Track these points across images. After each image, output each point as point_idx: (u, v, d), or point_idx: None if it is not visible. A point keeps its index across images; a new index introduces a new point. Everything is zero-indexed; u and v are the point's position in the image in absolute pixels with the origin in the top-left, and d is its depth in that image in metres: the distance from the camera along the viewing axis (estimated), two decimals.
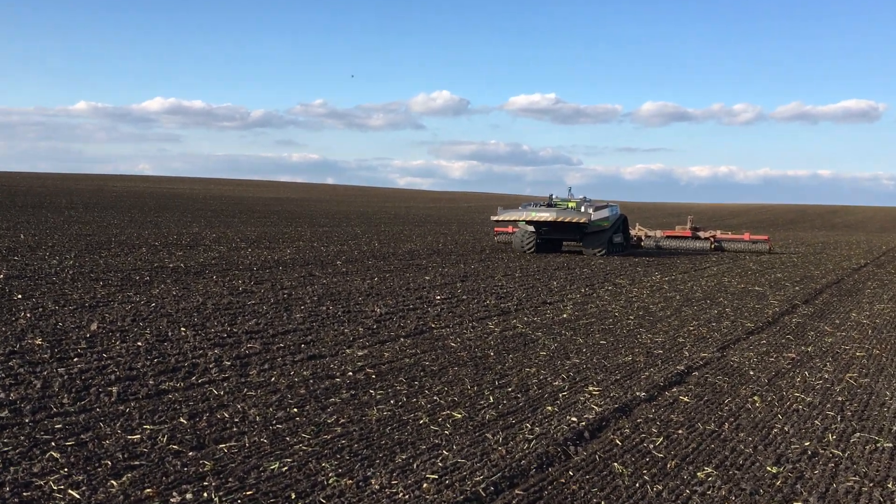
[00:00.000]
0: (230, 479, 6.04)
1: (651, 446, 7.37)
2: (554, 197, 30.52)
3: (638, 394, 9.16)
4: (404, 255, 26.72)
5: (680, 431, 7.86)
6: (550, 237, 30.02)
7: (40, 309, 12.46)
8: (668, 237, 35.52)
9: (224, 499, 5.68)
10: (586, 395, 9.04)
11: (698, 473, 6.73)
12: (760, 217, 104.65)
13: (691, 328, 13.97)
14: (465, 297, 16.46)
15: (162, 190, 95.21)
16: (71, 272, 17.18)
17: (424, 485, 6.12)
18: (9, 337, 10.29)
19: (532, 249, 29.38)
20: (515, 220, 29.26)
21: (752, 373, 10.65)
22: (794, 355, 11.94)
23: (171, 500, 5.63)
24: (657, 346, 12.14)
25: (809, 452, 7.41)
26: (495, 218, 29.17)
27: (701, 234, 35.41)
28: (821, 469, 7.00)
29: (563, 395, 8.95)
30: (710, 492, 6.36)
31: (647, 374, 10.24)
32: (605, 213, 29.16)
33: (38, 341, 10.10)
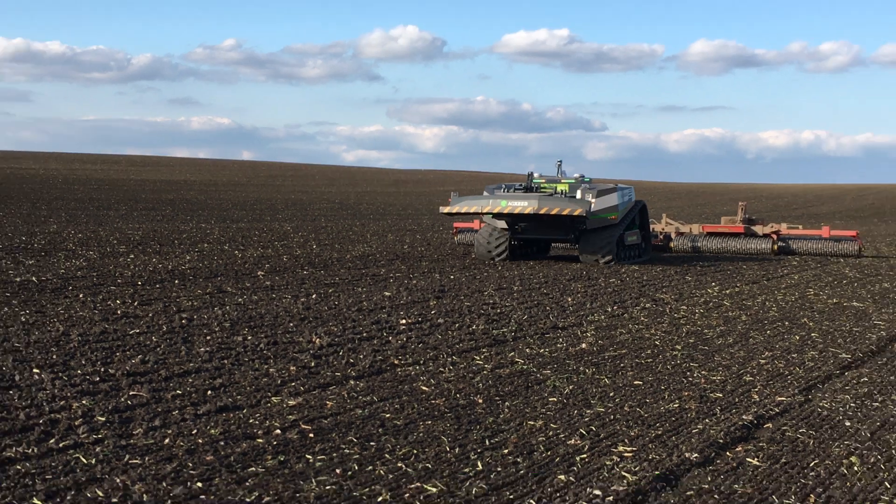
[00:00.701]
0: None
1: None
2: (536, 176, 28.63)
3: (688, 455, 9.23)
4: (355, 261, 26.76)
5: None
6: (531, 237, 28.51)
7: None
8: (709, 234, 34.30)
9: None
10: (615, 458, 9.10)
11: None
12: (860, 203, 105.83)
13: (763, 361, 14.11)
14: (441, 320, 16.54)
15: (4, 170, 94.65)
16: None
17: None
18: None
19: (503, 255, 27.67)
20: (477, 213, 27.53)
21: (848, 423, 10.75)
22: None
23: None
24: (715, 388, 12.25)
25: None
26: (446, 210, 27.24)
27: (759, 228, 34.11)
28: None
29: (581, 459, 9.00)
30: None
31: (700, 427, 10.32)
32: (612, 199, 27.26)
33: None
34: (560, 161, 29.55)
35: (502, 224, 27.80)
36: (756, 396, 11.88)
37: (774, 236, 33.68)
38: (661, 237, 34.31)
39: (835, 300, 21.52)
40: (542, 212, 25.41)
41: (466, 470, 8.55)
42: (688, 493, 8.26)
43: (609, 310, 18.78)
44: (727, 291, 22.55)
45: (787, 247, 33.76)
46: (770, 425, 10.54)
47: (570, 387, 11.98)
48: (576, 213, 25.31)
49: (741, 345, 15.48)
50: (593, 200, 26.28)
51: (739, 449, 9.61)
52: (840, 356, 14.75)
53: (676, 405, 11.28)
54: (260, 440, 9.15)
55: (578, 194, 26.64)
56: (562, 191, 27.54)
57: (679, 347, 15.00)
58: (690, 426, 10.36)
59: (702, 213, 68.57)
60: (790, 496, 8.26)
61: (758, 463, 9.17)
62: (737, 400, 11.66)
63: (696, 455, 9.27)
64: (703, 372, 13.20)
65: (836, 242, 33.72)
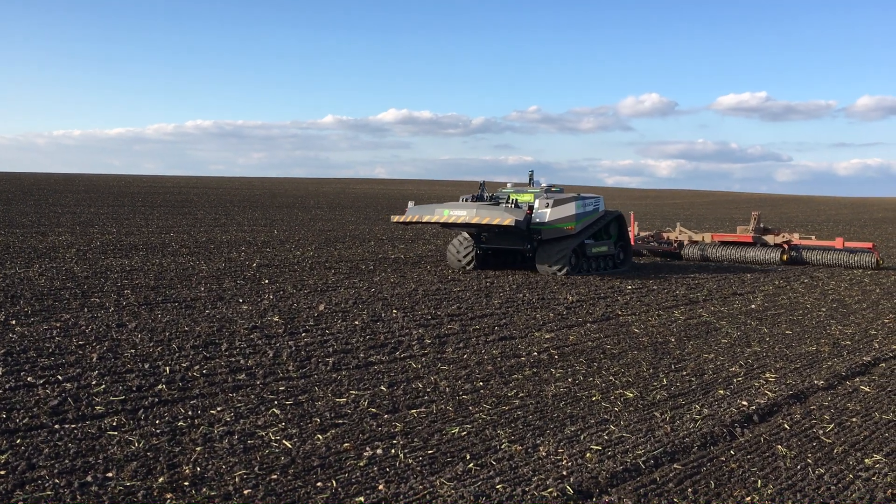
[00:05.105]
0: (415, 439, 6.38)
1: (820, 432, 6.92)
2: (508, 187, 19.33)
3: (816, 382, 8.60)
4: None
5: (854, 419, 7.31)
6: (491, 246, 18.62)
7: (281, 292, 13.60)
8: (720, 243, 23.09)
9: (408, 455, 6.03)
10: (762, 381, 8.61)
11: (866, 460, 6.26)
12: None
13: (886, 321, 12.83)
14: (655, 287, 16.06)
15: (393, 191, 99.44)
16: (310, 262, 18.55)
17: (588, 454, 6.15)
18: (253, 314, 11.36)
19: (470, 263, 18.35)
20: (419, 222, 17.54)
21: None
22: None
23: (364, 453, 6.05)
24: (845, 338, 11.28)
25: None
26: (398, 219, 17.72)
27: (770, 238, 22.64)
28: None
29: (737, 381, 8.58)
30: (875, 477, 5.90)
31: (829, 363, 9.56)
32: (568, 209, 17.78)
33: (276, 318, 11.07)
34: (532, 171, 19.72)
35: (467, 235, 19.05)
36: (876, 345, 10.84)
37: (785, 246, 22.36)
38: (675, 244, 23.86)
39: None
40: (473, 221, 16.75)
41: (655, 384, 8.35)
42: (811, 407, 7.71)
43: (776, 283, 17.59)
44: (869, 272, 20.53)
45: (798, 256, 22.28)
46: (883, 365, 9.61)
47: (738, 333, 11.38)
48: (505, 223, 16.40)
49: (871, 309, 14.11)
50: (547, 211, 17.60)
51: (856, 380, 8.84)
52: None
53: (814, 348, 10.48)
54: (522, 358, 9.31)
55: (537, 204, 17.76)
56: (514, 199, 18.28)
57: (823, 310, 13.86)
58: (822, 363, 9.61)
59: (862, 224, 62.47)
60: (889, 413, 7.54)
61: (868, 390, 8.40)
62: (861, 347, 10.69)
63: (822, 382, 8.62)
64: (838, 327, 12.17)
65: (850, 254, 21.92)
